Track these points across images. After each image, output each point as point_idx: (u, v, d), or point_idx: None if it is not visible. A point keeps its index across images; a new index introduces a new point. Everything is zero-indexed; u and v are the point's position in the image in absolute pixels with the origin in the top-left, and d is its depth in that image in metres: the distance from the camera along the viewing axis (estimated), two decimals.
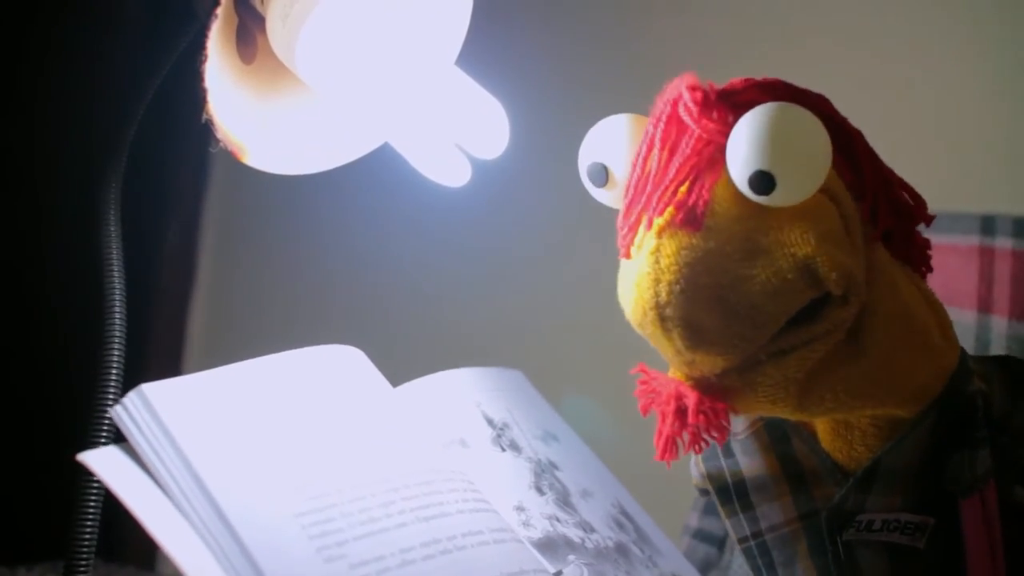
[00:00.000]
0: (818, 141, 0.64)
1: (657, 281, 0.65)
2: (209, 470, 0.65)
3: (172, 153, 1.70)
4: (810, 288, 0.65)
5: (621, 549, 0.78)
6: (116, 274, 0.80)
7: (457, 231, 1.39)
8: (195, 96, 0.73)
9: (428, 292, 1.56)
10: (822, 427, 0.72)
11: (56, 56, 1.64)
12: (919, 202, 0.71)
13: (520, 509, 0.76)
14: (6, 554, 1.20)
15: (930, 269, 0.73)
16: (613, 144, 0.70)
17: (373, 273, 1.62)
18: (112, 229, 0.81)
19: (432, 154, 0.81)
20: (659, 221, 0.66)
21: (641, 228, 0.68)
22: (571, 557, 0.74)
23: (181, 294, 1.75)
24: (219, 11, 0.72)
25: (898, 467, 0.69)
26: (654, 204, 0.67)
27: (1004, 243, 1.03)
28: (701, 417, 0.67)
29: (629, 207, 0.68)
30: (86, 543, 0.77)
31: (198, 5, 0.75)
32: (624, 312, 0.69)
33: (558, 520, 0.77)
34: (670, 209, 0.66)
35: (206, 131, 0.75)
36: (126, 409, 0.67)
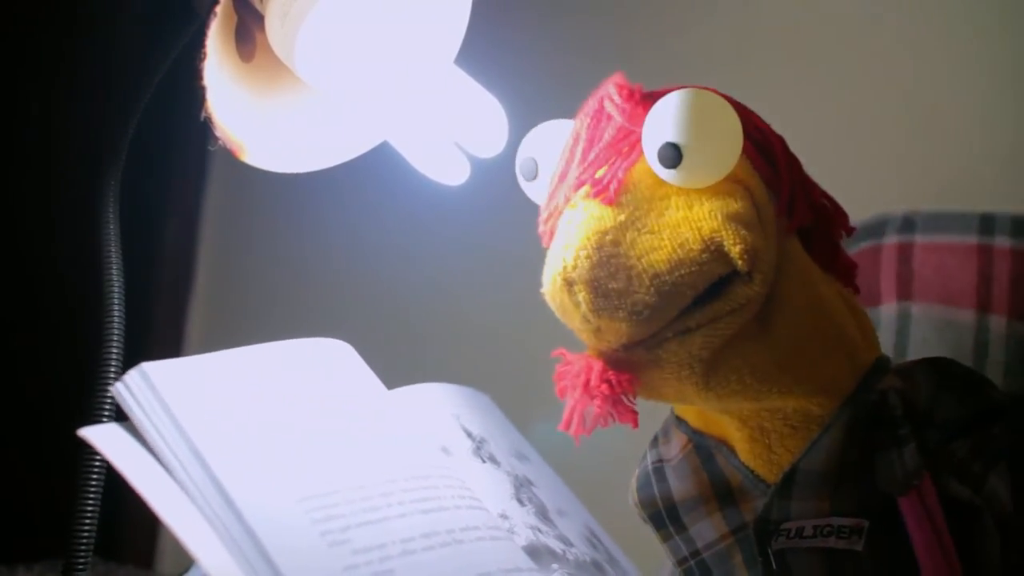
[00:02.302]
0: (727, 121, 0.67)
1: (567, 247, 0.68)
2: (212, 449, 0.65)
3: (171, 151, 1.70)
4: (714, 263, 0.66)
5: (597, 565, 0.78)
6: (115, 272, 0.80)
7: (456, 229, 1.39)
8: (194, 94, 0.73)
9: (427, 289, 1.56)
10: (740, 440, 0.72)
11: (55, 55, 1.64)
12: (839, 211, 0.75)
13: (504, 517, 0.76)
14: (5, 552, 1.20)
15: (855, 289, 0.75)
16: (545, 142, 0.73)
17: (373, 271, 1.62)
18: (111, 227, 0.81)
19: (431, 152, 0.81)
20: (575, 197, 0.69)
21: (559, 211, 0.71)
22: (555, 566, 0.74)
23: (181, 292, 1.75)
24: (218, 9, 0.72)
25: (816, 470, 0.69)
26: (571, 183, 0.70)
27: (1003, 242, 1.03)
28: (604, 385, 0.68)
29: (552, 194, 0.71)
30: (85, 541, 0.77)
31: (197, 3, 0.75)
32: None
33: (540, 531, 0.77)
34: (586, 186, 0.69)
35: (205, 129, 0.75)
36: (127, 386, 0.67)
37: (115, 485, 0.69)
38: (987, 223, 1.05)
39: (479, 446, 0.82)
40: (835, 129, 1.31)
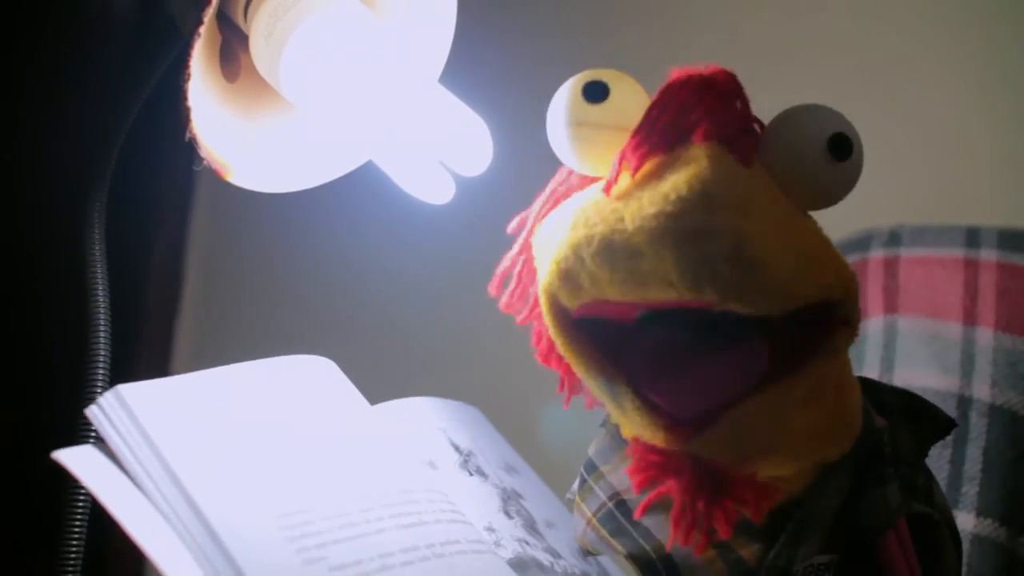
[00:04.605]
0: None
1: (710, 178, 0.56)
2: (187, 470, 0.65)
3: (157, 171, 1.70)
4: (838, 287, 0.60)
5: None
6: (101, 294, 0.80)
7: (443, 245, 1.39)
8: (180, 114, 0.73)
9: (413, 307, 1.56)
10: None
11: (39, 75, 1.64)
12: None
13: (491, 530, 0.76)
14: None
15: None
16: (617, 77, 0.62)
17: (362, 288, 1.62)
18: (97, 248, 0.81)
19: (416, 172, 0.81)
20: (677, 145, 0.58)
21: (652, 160, 0.59)
22: None
23: (168, 312, 1.74)
24: (202, 29, 0.72)
25: (823, 513, 0.65)
26: (700, 122, 0.59)
27: (989, 255, 1.03)
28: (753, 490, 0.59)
29: (649, 143, 0.59)
30: (72, 565, 0.77)
31: (181, 23, 0.76)
32: (635, 226, 0.57)
33: (527, 543, 0.77)
34: (706, 134, 0.59)
35: (191, 149, 0.75)
36: (102, 409, 0.67)
37: (102, 507, 0.69)
38: (973, 236, 1.05)
39: (466, 459, 0.81)
40: None
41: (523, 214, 0.69)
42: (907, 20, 1.32)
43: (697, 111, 0.60)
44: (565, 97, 0.62)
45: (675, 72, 0.62)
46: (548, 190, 0.68)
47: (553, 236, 0.63)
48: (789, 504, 0.66)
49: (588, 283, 0.61)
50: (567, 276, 0.61)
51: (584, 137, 0.62)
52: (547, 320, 0.64)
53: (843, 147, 0.60)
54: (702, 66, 0.62)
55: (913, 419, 0.70)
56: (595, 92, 0.61)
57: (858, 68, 1.33)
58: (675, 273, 0.56)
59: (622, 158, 0.60)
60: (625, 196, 0.59)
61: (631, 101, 0.62)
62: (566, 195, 0.67)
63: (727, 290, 0.56)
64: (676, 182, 0.57)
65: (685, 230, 0.56)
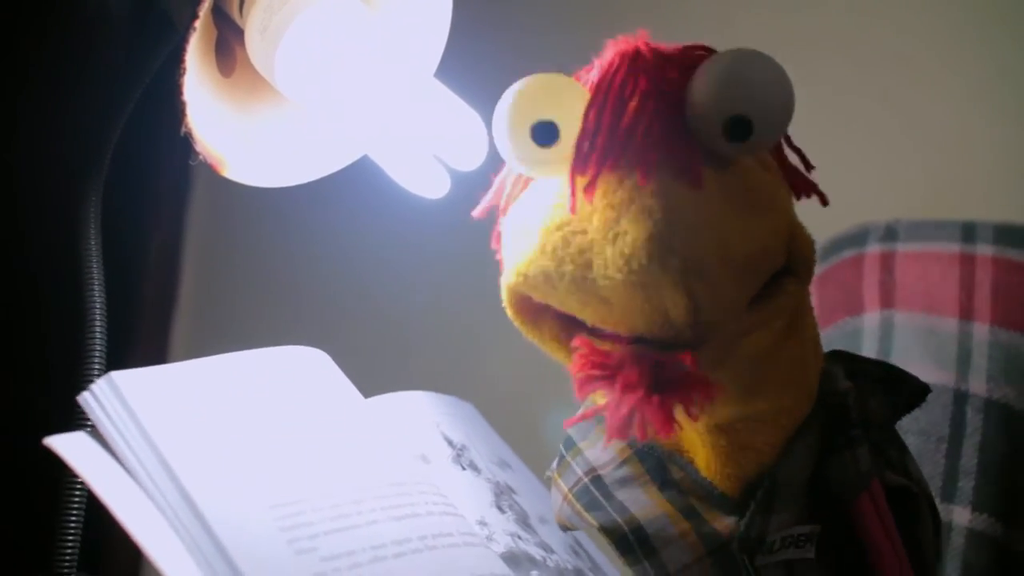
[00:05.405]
0: (787, 84, 0.61)
1: (666, 235, 0.56)
2: (179, 458, 0.65)
3: (154, 165, 1.70)
4: (783, 254, 0.62)
5: (579, 573, 0.78)
6: (97, 289, 0.80)
7: (436, 242, 1.39)
8: (176, 109, 0.73)
9: (408, 302, 1.56)
10: (704, 449, 0.66)
11: (35, 70, 1.64)
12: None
13: (483, 524, 0.76)
14: None
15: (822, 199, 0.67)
16: (558, 100, 0.61)
17: (358, 282, 1.62)
18: (92, 243, 0.81)
19: (411, 166, 0.81)
20: (630, 175, 0.58)
21: (607, 185, 0.59)
22: (534, 573, 0.74)
23: (164, 306, 1.74)
24: (198, 24, 0.72)
25: (793, 480, 0.65)
26: (637, 159, 0.58)
27: (985, 250, 1.03)
28: (697, 386, 0.57)
29: (594, 160, 0.59)
30: (68, 557, 0.77)
31: (177, 18, 0.76)
32: (603, 283, 0.58)
33: (520, 538, 0.77)
34: (664, 166, 0.58)
35: (187, 143, 0.75)
36: (94, 395, 0.67)
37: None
38: (969, 231, 1.05)
39: (459, 454, 0.82)
40: (817, 139, 1.32)
41: (491, 201, 0.68)
42: (904, 17, 1.32)
43: (633, 108, 0.60)
44: (519, 137, 0.61)
45: (605, 56, 0.62)
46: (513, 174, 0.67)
47: (520, 238, 0.63)
48: (762, 476, 0.66)
49: (557, 303, 0.62)
50: (535, 288, 0.62)
51: (541, 171, 0.63)
52: (509, 311, 0.65)
53: (741, 130, 0.59)
54: (631, 39, 0.63)
55: (888, 385, 0.70)
56: (545, 135, 0.60)
57: (855, 64, 1.33)
58: (642, 327, 0.59)
59: (573, 180, 0.60)
60: (587, 222, 0.59)
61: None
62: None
63: (687, 341, 0.58)
64: (635, 244, 0.57)
65: (650, 299, 0.58)
